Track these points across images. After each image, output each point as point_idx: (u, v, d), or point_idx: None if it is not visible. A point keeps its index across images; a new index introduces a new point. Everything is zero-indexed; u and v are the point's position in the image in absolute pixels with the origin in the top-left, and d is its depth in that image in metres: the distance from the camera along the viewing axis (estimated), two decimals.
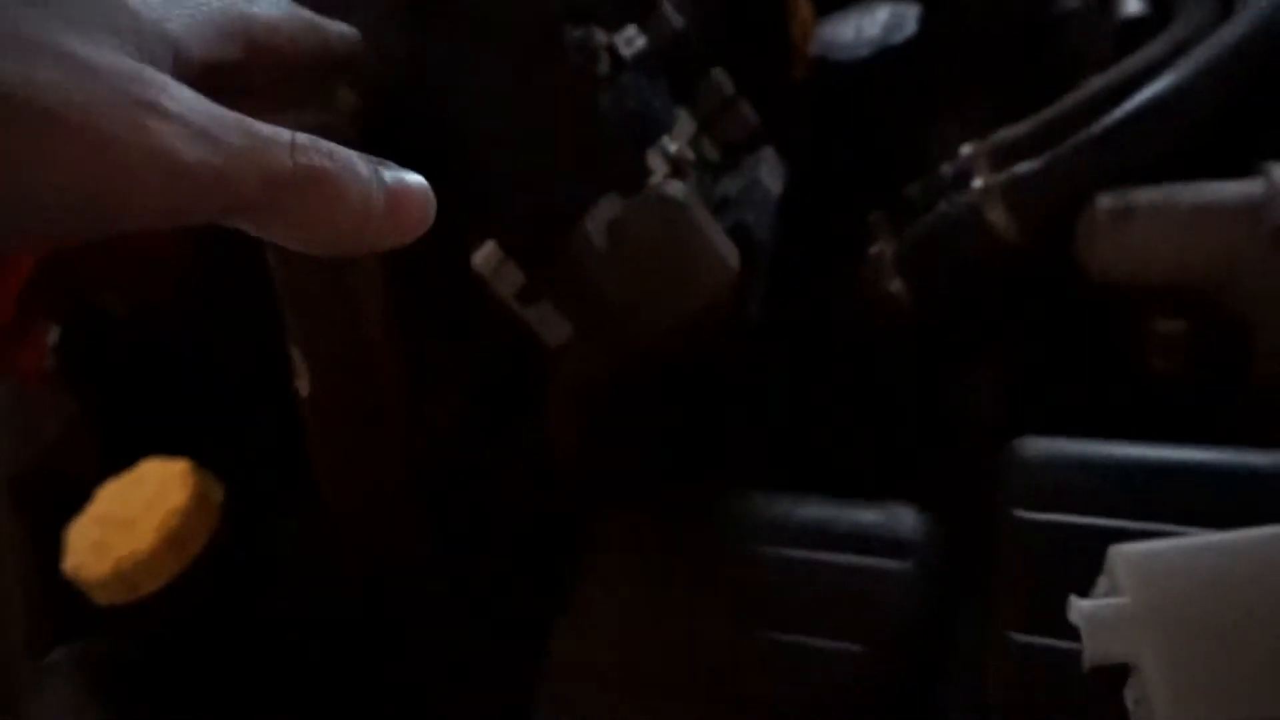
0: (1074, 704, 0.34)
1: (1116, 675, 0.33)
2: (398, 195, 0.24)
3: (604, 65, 0.53)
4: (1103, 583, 0.33)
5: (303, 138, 0.22)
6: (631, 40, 0.57)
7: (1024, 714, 0.35)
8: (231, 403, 0.60)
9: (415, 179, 0.25)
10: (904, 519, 0.46)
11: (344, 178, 0.23)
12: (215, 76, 0.24)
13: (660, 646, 0.44)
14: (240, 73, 0.25)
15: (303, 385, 0.49)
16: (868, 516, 0.46)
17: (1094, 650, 0.31)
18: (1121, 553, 0.31)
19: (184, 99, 0.21)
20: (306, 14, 0.28)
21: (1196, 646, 0.30)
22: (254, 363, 0.58)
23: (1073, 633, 0.34)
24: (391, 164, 0.24)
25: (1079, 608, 0.31)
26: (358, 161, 0.23)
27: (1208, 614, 0.30)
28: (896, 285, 0.60)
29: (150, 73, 0.20)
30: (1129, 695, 0.31)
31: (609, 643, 0.45)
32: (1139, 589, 0.31)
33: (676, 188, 0.48)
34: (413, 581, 0.59)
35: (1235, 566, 0.30)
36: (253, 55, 0.26)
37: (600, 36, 0.54)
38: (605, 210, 0.50)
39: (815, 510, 0.48)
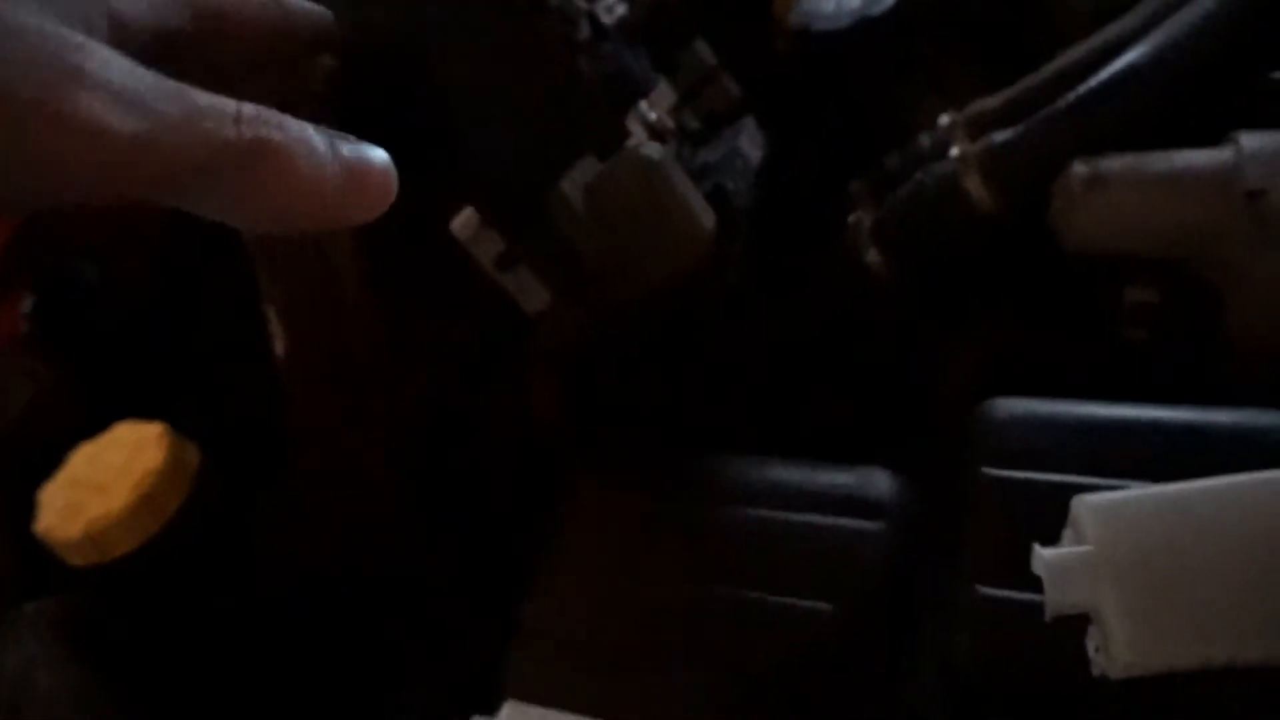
0: (1038, 654, 0.35)
1: (1079, 624, 0.34)
2: (356, 170, 0.23)
3: (584, 31, 0.53)
4: (1068, 535, 0.33)
5: (249, 108, 0.21)
6: (612, 8, 0.57)
7: (989, 665, 0.36)
8: (208, 368, 0.60)
9: (377, 154, 0.23)
10: (877, 481, 0.46)
11: (295, 150, 0.21)
12: (165, 47, 0.23)
13: (632, 608, 0.45)
14: (199, 46, 0.25)
15: (278, 345, 0.49)
16: (841, 479, 0.47)
17: (1056, 598, 0.31)
18: (1085, 502, 0.32)
19: (114, 66, 0.20)
20: None
21: (1156, 593, 0.30)
22: (230, 327, 0.58)
23: (1038, 585, 0.35)
24: (351, 138, 0.23)
25: (1042, 556, 0.31)
26: (312, 134, 0.22)
27: (1168, 561, 0.30)
28: (874, 255, 0.61)
29: (78, 38, 0.19)
30: (1090, 643, 0.32)
31: (579, 606, 0.45)
32: (1101, 537, 0.31)
33: (654, 149, 0.48)
34: (387, 549, 0.59)
35: (1196, 514, 0.31)
36: (209, 27, 0.25)
37: (580, 2, 0.54)
38: (582, 173, 0.50)
39: (789, 473, 0.48)
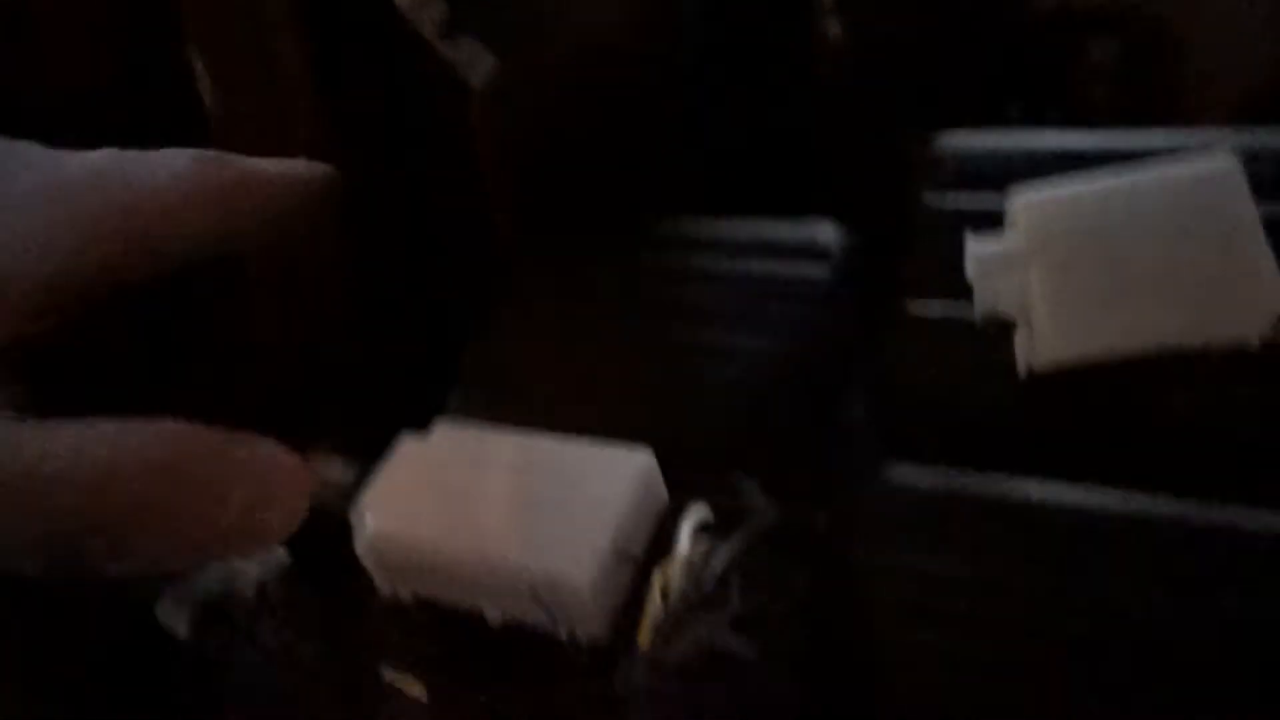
0: (967, 367, 0.35)
1: (1005, 332, 0.34)
2: None
3: None
4: (1004, 237, 0.33)
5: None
6: None
7: (921, 380, 0.36)
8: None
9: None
10: (823, 230, 0.46)
11: None
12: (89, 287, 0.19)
13: (577, 354, 0.45)
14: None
15: (208, 98, 0.47)
16: (787, 229, 0.46)
17: (987, 296, 0.31)
18: (1019, 199, 0.32)
19: None
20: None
21: (1082, 283, 0.30)
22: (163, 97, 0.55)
23: (970, 298, 0.35)
24: None
25: (974, 251, 0.31)
26: None
27: (1094, 252, 0.31)
28: (835, 27, 0.59)
29: None
30: (1018, 343, 0.32)
31: (524, 353, 0.46)
32: (1033, 231, 0.31)
33: None
34: (335, 340, 0.58)
35: (1122, 208, 0.31)
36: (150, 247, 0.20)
37: None
38: None
39: (736, 227, 0.48)
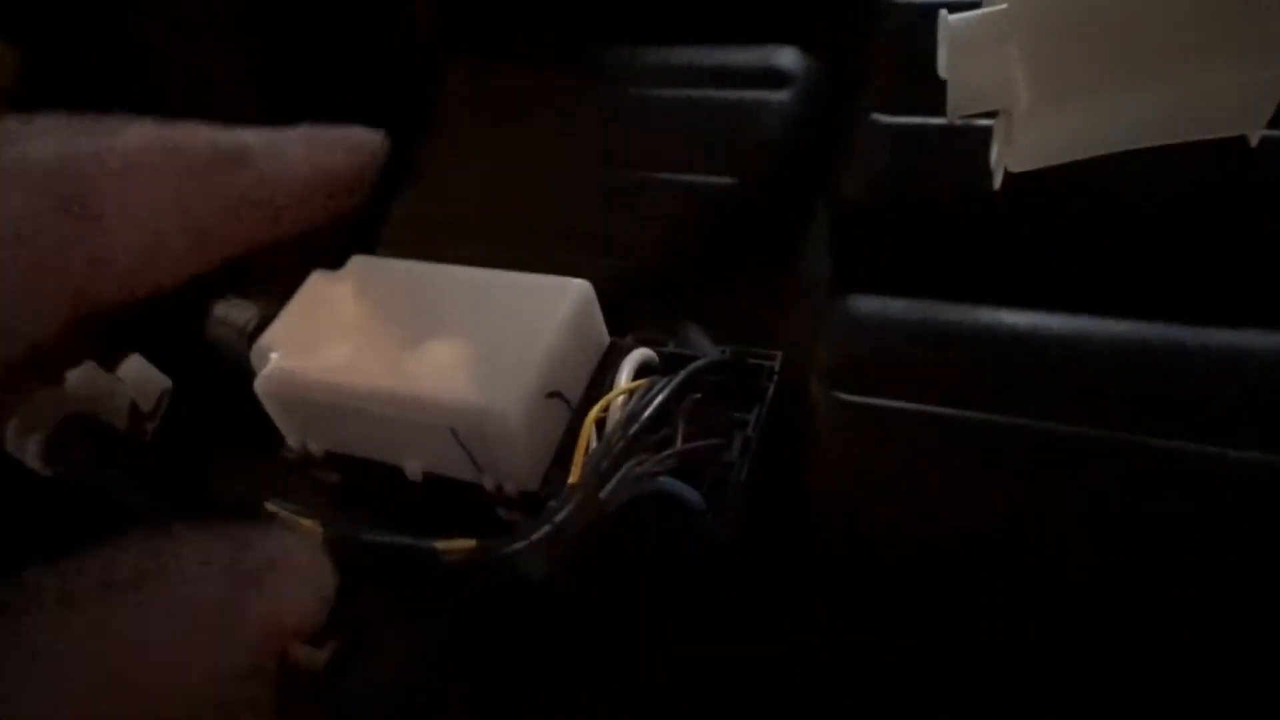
0: (936, 182, 0.32)
1: (971, 147, 0.31)
2: None
3: None
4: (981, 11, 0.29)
5: None
6: None
7: (884, 200, 0.33)
8: None
9: None
10: (783, 55, 0.41)
11: None
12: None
13: (516, 191, 0.41)
14: None
15: None
16: (746, 54, 0.42)
17: (958, 83, 0.27)
18: None
19: None
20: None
21: (1071, 62, 0.26)
22: None
23: (937, 110, 0.31)
24: None
25: (948, 28, 0.27)
26: None
27: (1087, 24, 0.26)
28: None
29: None
30: (995, 139, 0.28)
31: (456, 193, 0.41)
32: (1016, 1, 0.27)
33: None
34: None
35: None
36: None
37: None
38: None
39: (689, 52, 0.43)
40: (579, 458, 0.28)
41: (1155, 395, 0.27)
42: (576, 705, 0.30)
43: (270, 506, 0.24)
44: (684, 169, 0.39)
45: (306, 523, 0.24)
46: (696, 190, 0.39)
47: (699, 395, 0.32)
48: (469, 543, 0.25)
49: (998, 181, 0.30)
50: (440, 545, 0.25)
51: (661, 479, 0.29)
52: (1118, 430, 0.27)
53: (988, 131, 0.30)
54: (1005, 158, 0.28)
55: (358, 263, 0.35)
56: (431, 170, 0.43)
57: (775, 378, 0.33)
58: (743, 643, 0.30)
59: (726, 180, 0.39)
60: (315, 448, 0.34)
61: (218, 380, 0.35)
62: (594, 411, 0.30)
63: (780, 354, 0.34)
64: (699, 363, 0.32)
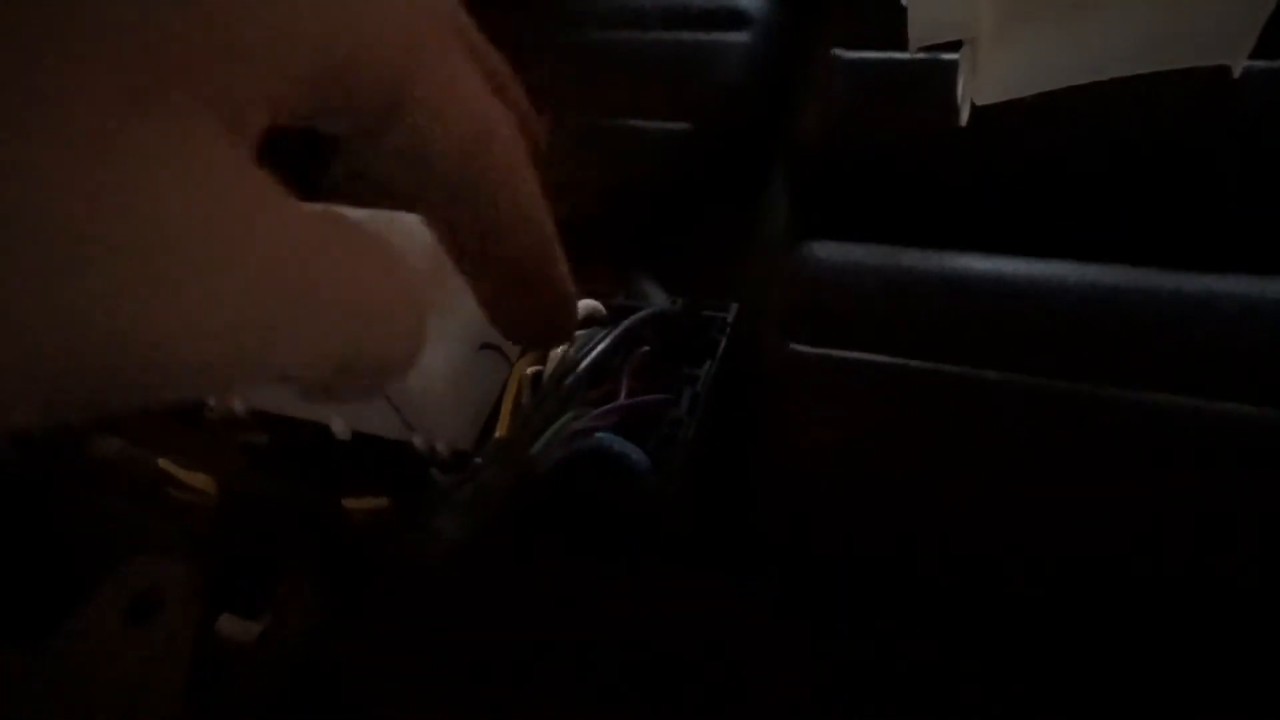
0: (898, 120, 0.30)
1: (942, 75, 0.29)
2: None
3: None
4: None
5: None
6: None
7: (844, 141, 0.31)
8: None
9: None
10: None
11: None
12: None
13: None
14: None
15: None
16: None
17: (922, 14, 0.25)
18: None
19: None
20: None
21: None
22: None
23: (903, 43, 0.29)
24: None
25: None
26: None
27: None
28: None
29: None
30: (961, 73, 0.27)
31: None
32: None
33: None
34: None
35: None
36: None
37: None
38: None
39: None
40: (506, 412, 0.26)
41: (1128, 344, 0.25)
42: (504, 679, 0.28)
43: (163, 464, 0.22)
44: (638, 114, 0.37)
45: (200, 478, 0.22)
46: (651, 136, 0.37)
47: (647, 349, 0.30)
48: (380, 501, 0.23)
49: (964, 117, 0.28)
50: (349, 503, 0.23)
51: (600, 436, 0.27)
52: (1086, 381, 0.26)
53: (953, 66, 0.28)
54: (971, 90, 0.26)
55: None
56: None
57: (729, 331, 0.31)
58: (689, 610, 0.28)
59: (683, 126, 0.37)
60: (239, 406, 0.32)
61: None
62: (524, 363, 0.28)
63: (735, 306, 0.32)
64: (644, 313, 0.30)
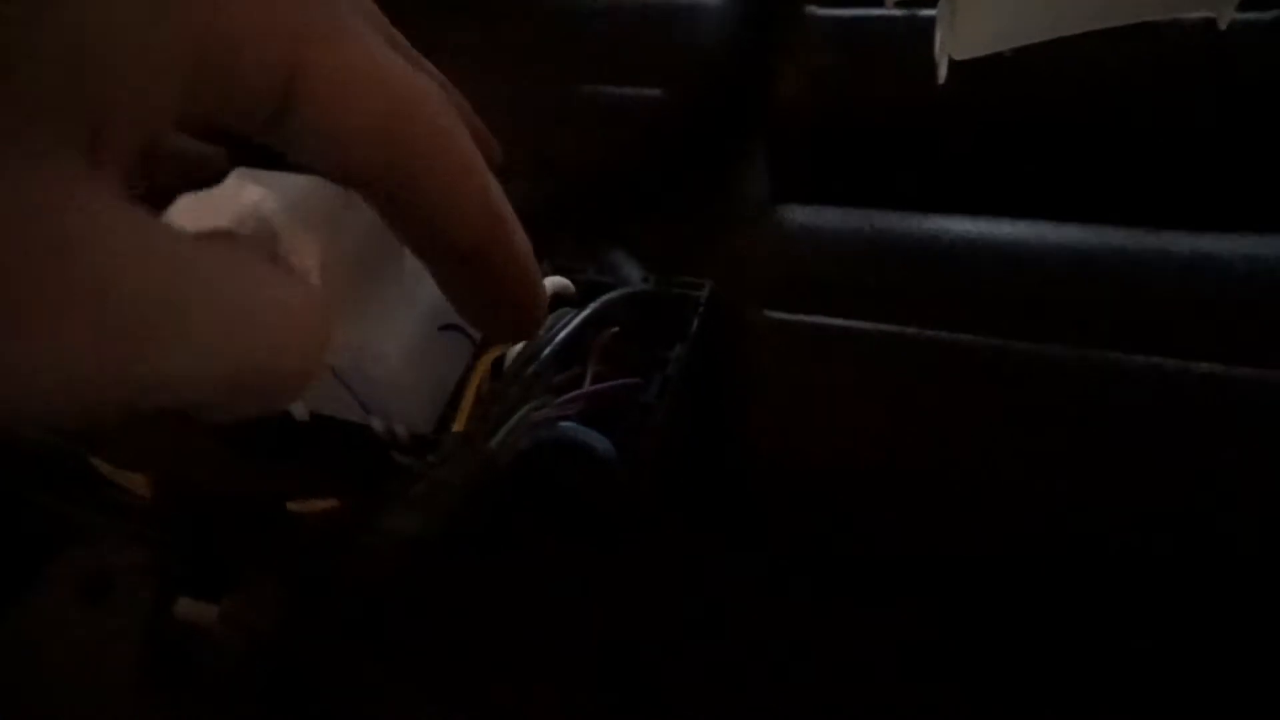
0: (874, 80, 0.28)
1: (920, 31, 0.27)
2: None
3: None
4: None
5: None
6: None
7: (818, 101, 0.29)
8: None
9: None
10: None
11: None
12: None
13: None
14: None
15: None
16: None
17: None
18: None
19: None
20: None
21: None
22: None
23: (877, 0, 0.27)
24: None
25: None
26: None
27: None
28: None
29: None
30: (939, 28, 0.25)
31: None
32: None
33: None
34: None
35: None
36: None
37: None
38: None
39: None
40: (468, 403, 0.25)
41: (1112, 306, 0.24)
42: (472, 663, 0.28)
43: (96, 463, 0.21)
44: (608, 80, 0.36)
45: (135, 478, 0.21)
46: (622, 104, 0.35)
47: (616, 329, 0.29)
48: (328, 502, 0.22)
49: (943, 74, 0.26)
50: (295, 507, 0.21)
51: (564, 425, 0.26)
52: (1072, 345, 0.24)
53: (931, 22, 0.26)
54: (950, 46, 0.25)
55: (236, 176, 0.31)
56: None
57: (702, 310, 0.30)
58: (660, 599, 0.27)
59: (655, 92, 0.35)
60: None
61: None
62: (488, 355, 0.26)
63: (709, 284, 0.30)
64: (613, 295, 0.29)
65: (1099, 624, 0.26)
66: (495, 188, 0.19)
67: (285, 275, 0.14)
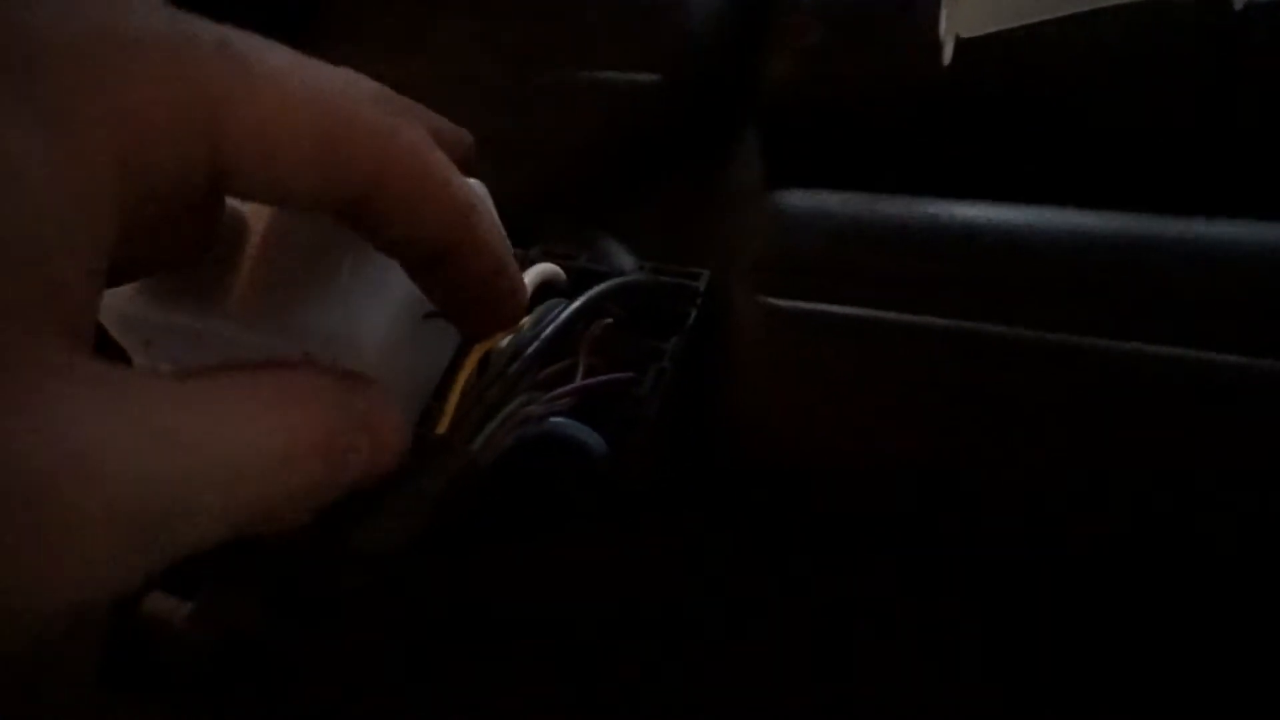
0: (875, 59, 0.27)
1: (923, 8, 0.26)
2: None
3: None
4: None
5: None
6: None
7: (817, 80, 0.28)
8: None
9: None
10: None
11: None
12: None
13: (411, 93, 0.36)
14: None
15: None
16: None
17: None
18: None
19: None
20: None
21: None
22: None
23: None
24: None
25: None
26: None
27: None
28: None
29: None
30: (944, 6, 0.24)
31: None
32: None
33: None
34: None
35: None
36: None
37: None
38: None
39: None
40: (452, 403, 0.24)
41: (1117, 294, 0.23)
42: (454, 660, 0.27)
43: None
44: (601, 65, 0.34)
45: None
46: (615, 89, 0.34)
47: (609, 320, 0.28)
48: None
49: (948, 55, 0.25)
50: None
51: (552, 421, 0.25)
52: (1076, 334, 0.23)
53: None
54: (955, 23, 0.23)
55: None
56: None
57: (699, 301, 0.29)
58: (652, 593, 0.27)
59: (649, 78, 0.34)
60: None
61: None
62: (473, 355, 0.25)
63: (706, 273, 0.29)
64: (607, 285, 0.28)
65: (1105, 613, 0.25)
66: (459, 183, 0.18)
67: (282, 401, 0.14)
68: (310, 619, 0.27)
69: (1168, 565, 0.24)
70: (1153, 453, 0.23)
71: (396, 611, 0.27)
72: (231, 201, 0.30)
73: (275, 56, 0.15)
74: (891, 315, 0.25)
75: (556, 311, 0.26)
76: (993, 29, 0.23)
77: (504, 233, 0.20)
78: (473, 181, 0.30)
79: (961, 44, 0.24)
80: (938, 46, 0.25)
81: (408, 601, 0.27)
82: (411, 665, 0.27)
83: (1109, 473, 0.23)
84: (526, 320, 0.26)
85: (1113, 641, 0.25)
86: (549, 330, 0.25)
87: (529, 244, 0.30)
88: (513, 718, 0.27)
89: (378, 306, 0.25)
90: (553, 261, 0.29)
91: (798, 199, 0.27)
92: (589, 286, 0.28)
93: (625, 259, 0.32)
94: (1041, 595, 0.25)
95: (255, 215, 0.29)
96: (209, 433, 0.13)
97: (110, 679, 0.25)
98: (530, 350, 0.25)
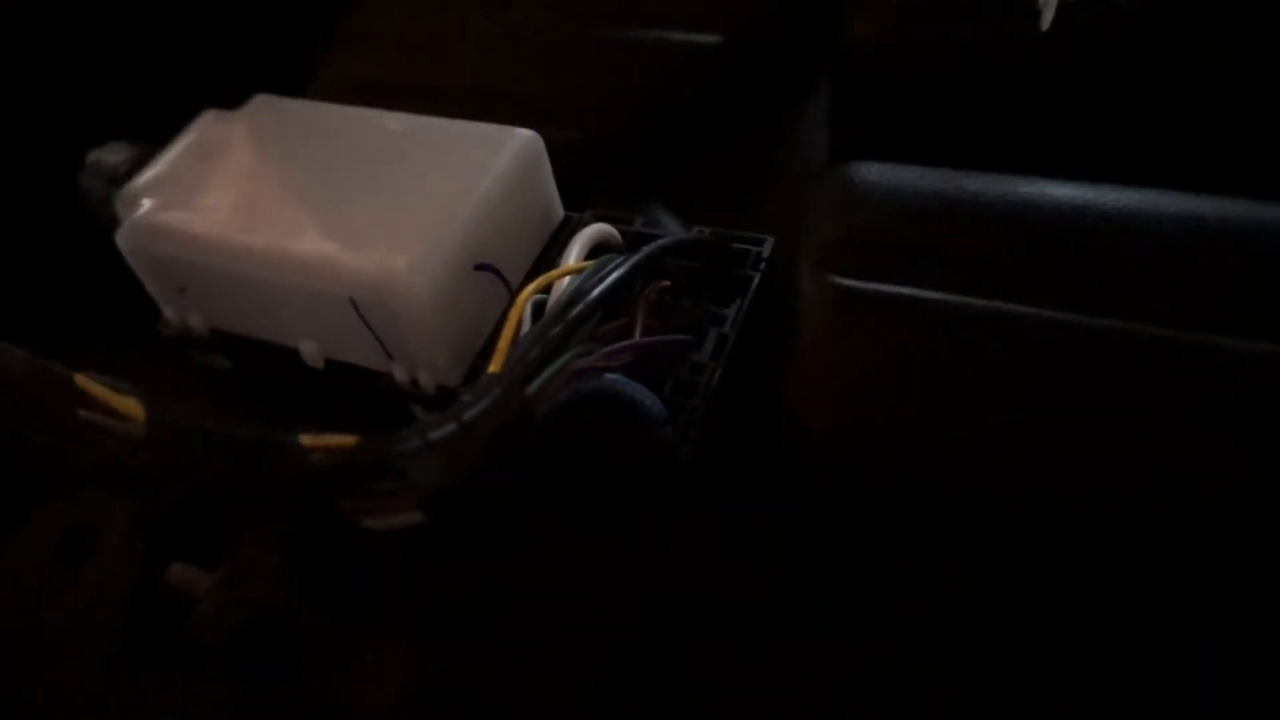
0: (957, 29, 0.26)
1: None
2: None
3: None
4: None
5: None
6: None
7: (898, 31, 0.27)
8: None
9: None
10: None
11: None
12: None
13: (457, 49, 0.34)
14: None
15: None
16: None
17: None
18: None
19: None
20: None
21: None
22: None
23: None
24: None
25: None
26: None
27: None
28: None
29: None
30: None
31: (390, 52, 0.35)
32: None
33: None
34: None
35: None
36: None
37: None
38: None
39: None
40: (504, 343, 0.22)
41: (1242, 286, 0.21)
42: (483, 639, 0.25)
43: (80, 380, 0.18)
44: (660, 23, 0.33)
45: (125, 402, 0.18)
46: (675, 49, 0.33)
47: (668, 282, 0.26)
48: (346, 439, 0.19)
49: (1048, 20, 0.23)
50: (306, 440, 0.19)
51: (609, 377, 0.23)
52: (1181, 328, 0.21)
53: None
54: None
55: (261, 102, 0.29)
56: (361, 26, 0.36)
57: (764, 266, 0.27)
58: (702, 574, 0.25)
59: (711, 38, 0.32)
60: (198, 323, 0.28)
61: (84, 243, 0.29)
62: (529, 289, 0.24)
63: (771, 239, 0.28)
64: (667, 240, 0.26)
65: (1156, 598, 0.23)
66: None
67: None
68: (332, 593, 0.25)
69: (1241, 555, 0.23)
70: (1254, 455, 0.21)
71: (426, 586, 0.26)
72: (283, 114, 0.29)
73: None
74: (978, 302, 0.23)
75: (617, 263, 0.25)
76: None
77: None
78: (525, 132, 0.28)
79: (1064, 7, 0.23)
80: (1037, 10, 0.23)
81: (432, 579, 0.25)
82: (435, 636, 0.26)
83: (1204, 472, 0.21)
84: (585, 270, 0.25)
85: (1171, 621, 0.23)
86: (613, 277, 0.24)
87: (580, 208, 0.29)
88: (536, 707, 0.26)
89: (431, 246, 0.24)
90: (608, 223, 0.28)
91: (873, 173, 0.25)
92: (643, 245, 0.26)
93: (678, 229, 0.30)
94: (1125, 590, 0.24)
95: (306, 132, 0.28)
96: None
97: (132, 654, 0.23)
98: (593, 295, 0.23)
